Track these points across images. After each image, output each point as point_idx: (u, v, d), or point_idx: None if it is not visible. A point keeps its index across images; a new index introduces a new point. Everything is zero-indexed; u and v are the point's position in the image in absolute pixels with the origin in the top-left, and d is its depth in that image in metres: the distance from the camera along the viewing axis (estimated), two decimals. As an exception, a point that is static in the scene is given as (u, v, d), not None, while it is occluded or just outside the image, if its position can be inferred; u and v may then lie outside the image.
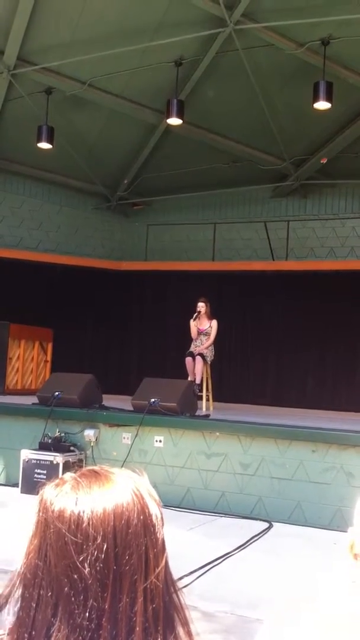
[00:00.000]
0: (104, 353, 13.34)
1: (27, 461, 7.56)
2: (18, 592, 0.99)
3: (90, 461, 7.68)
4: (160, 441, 7.51)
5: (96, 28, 8.84)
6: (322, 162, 11.52)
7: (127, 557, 0.97)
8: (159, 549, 1.01)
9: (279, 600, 4.25)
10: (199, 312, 9.72)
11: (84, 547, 0.96)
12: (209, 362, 9.76)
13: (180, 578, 4.53)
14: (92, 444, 7.81)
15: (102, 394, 8.44)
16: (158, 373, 10.13)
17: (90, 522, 0.97)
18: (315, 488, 6.73)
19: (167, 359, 12.39)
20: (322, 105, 8.90)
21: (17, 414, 8.36)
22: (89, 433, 7.80)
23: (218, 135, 11.26)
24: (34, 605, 0.97)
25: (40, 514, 1.00)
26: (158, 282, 13.30)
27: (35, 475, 7.41)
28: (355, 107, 10.36)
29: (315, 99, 8.82)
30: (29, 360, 11.11)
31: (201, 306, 9.76)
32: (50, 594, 0.96)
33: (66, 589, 0.95)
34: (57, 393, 8.02)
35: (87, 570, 0.95)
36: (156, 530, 1.01)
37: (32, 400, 8.56)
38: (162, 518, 1.04)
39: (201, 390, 9.35)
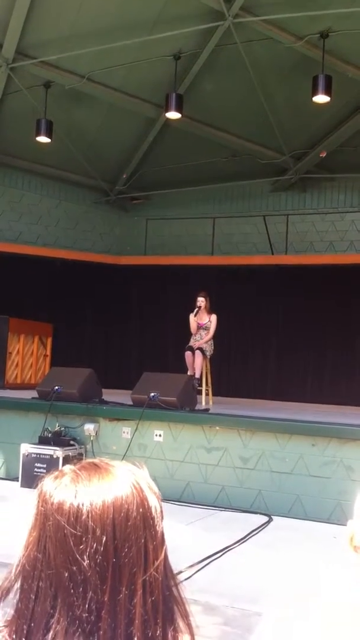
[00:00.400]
0: (103, 347, 13.36)
1: (27, 455, 7.57)
2: (17, 584, 0.99)
3: (90, 455, 7.67)
4: (160, 435, 7.51)
5: (95, 22, 8.81)
6: (321, 155, 11.47)
7: (126, 550, 0.97)
8: (158, 542, 1.01)
9: (283, 594, 4.26)
10: (200, 307, 9.71)
11: (83, 539, 0.96)
12: (209, 357, 9.75)
13: (180, 571, 4.54)
14: (92, 438, 7.81)
15: (102, 388, 8.45)
16: (158, 367, 10.13)
17: (90, 515, 0.97)
18: (315, 482, 6.74)
19: (167, 353, 12.40)
20: (321, 98, 8.88)
21: (17, 408, 8.36)
22: (89, 427, 7.80)
23: (217, 129, 11.22)
24: (33, 597, 0.97)
25: (40, 506, 1.00)
26: (157, 277, 13.28)
27: (35, 470, 7.42)
28: (355, 100, 10.34)
29: (315, 92, 8.81)
30: (29, 355, 11.10)
31: (201, 301, 9.73)
32: (49, 586, 0.96)
33: (65, 581, 0.95)
34: (56, 387, 8.01)
35: (86, 562, 0.95)
36: (155, 523, 1.01)
37: (31, 394, 8.55)
38: (161, 511, 1.04)
39: (201, 385, 9.34)
